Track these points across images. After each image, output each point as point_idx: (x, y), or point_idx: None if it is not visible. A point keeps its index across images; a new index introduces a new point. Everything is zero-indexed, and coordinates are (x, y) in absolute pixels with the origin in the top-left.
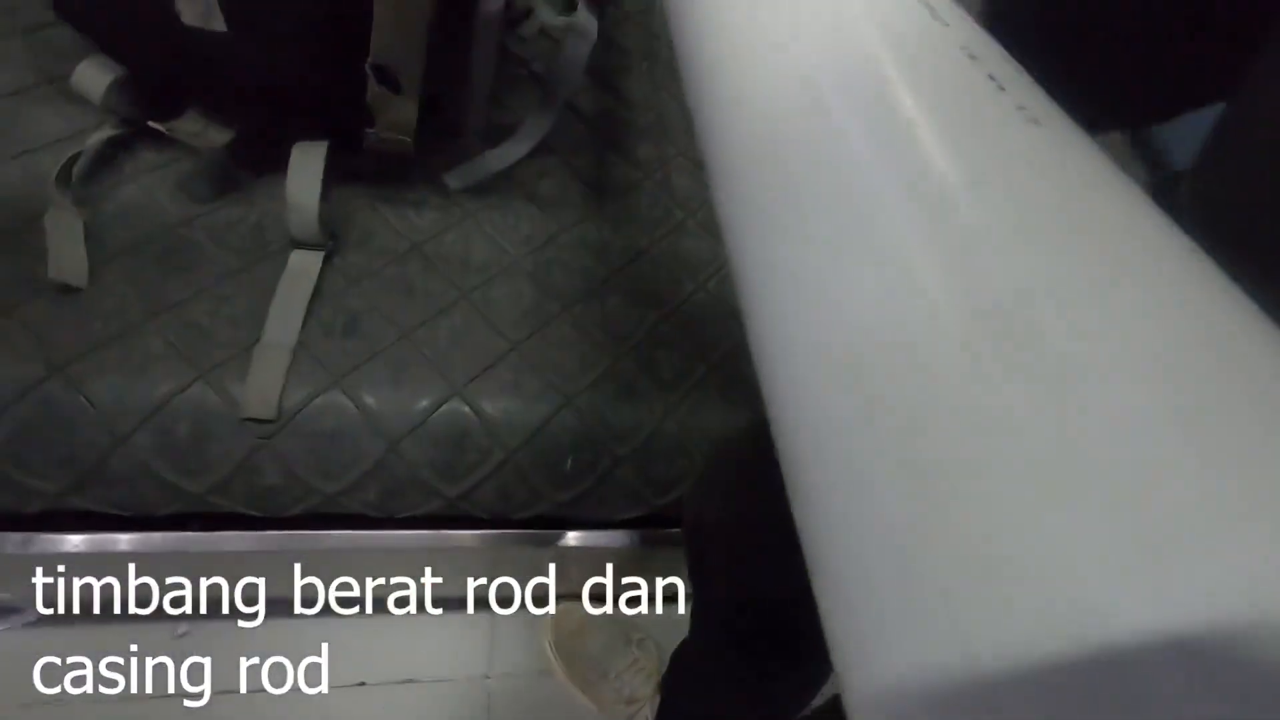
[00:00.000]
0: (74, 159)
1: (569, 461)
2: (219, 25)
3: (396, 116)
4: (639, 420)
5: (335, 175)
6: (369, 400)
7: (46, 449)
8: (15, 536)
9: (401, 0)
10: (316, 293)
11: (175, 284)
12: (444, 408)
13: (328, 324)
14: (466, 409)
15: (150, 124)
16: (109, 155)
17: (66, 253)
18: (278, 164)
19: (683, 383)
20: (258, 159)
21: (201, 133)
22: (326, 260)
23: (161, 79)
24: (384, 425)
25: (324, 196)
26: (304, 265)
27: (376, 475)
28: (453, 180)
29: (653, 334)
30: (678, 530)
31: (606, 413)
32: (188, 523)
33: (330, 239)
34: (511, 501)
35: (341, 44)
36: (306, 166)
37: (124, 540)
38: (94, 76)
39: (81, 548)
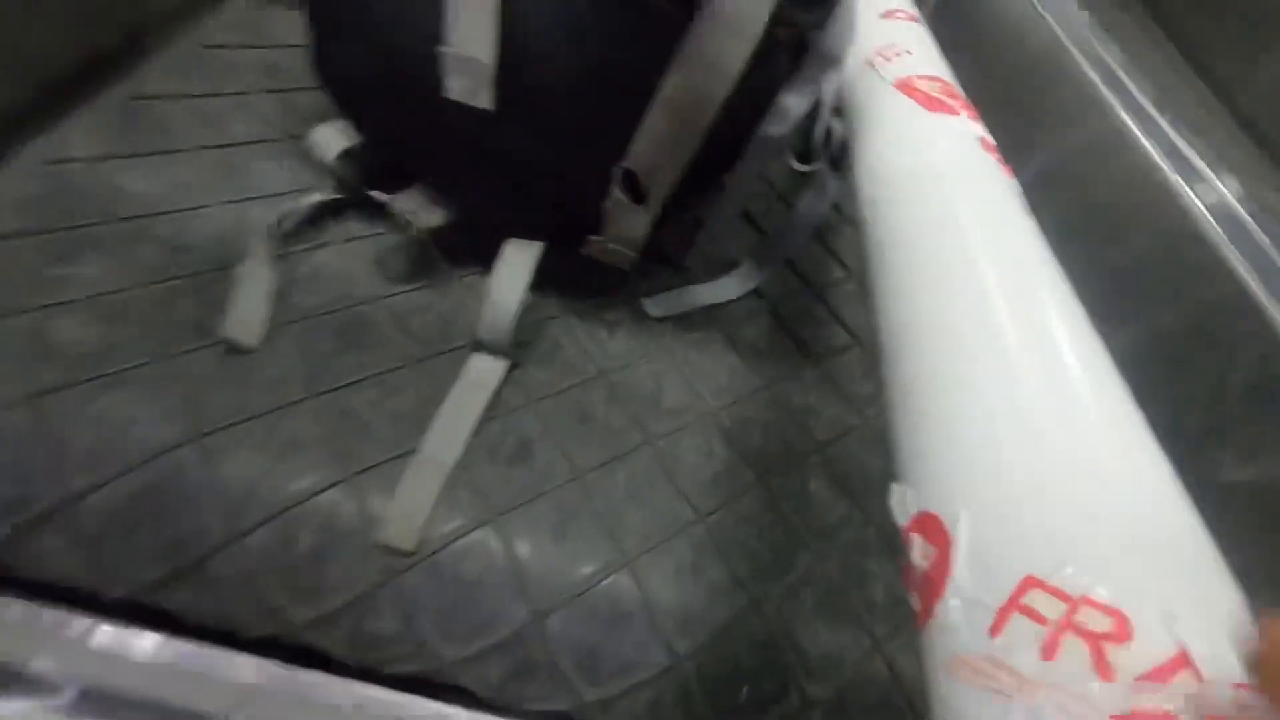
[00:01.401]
0: (285, 215)
1: (744, 690)
2: (484, 103)
3: (627, 228)
4: (841, 651)
5: (539, 288)
6: (523, 550)
7: (157, 528)
8: (84, 622)
9: (681, 111)
10: (490, 405)
11: (346, 362)
12: (608, 580)
13: (495, 445)
14: (634, 587)
15: (369, 193)
16: (318, 218)
17: (247, 309)
18: (484, 256)
19: (898, 609)
20: (465, 247)
21: (417, 212)
22: (510, 371)
23: (398, 150)
24: (533, 587)
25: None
26: (484, 372)
27: (509, 650)
28: (653, 307)
29: (861, 537)
30: None
31: (800, 631)
32: (265, 650)
33: (514, 347)
34: (660, 714)
35: (599, 141)
36: (516, 265)
37: (194, 652)
38: (330, 139)
39: (150, 654)
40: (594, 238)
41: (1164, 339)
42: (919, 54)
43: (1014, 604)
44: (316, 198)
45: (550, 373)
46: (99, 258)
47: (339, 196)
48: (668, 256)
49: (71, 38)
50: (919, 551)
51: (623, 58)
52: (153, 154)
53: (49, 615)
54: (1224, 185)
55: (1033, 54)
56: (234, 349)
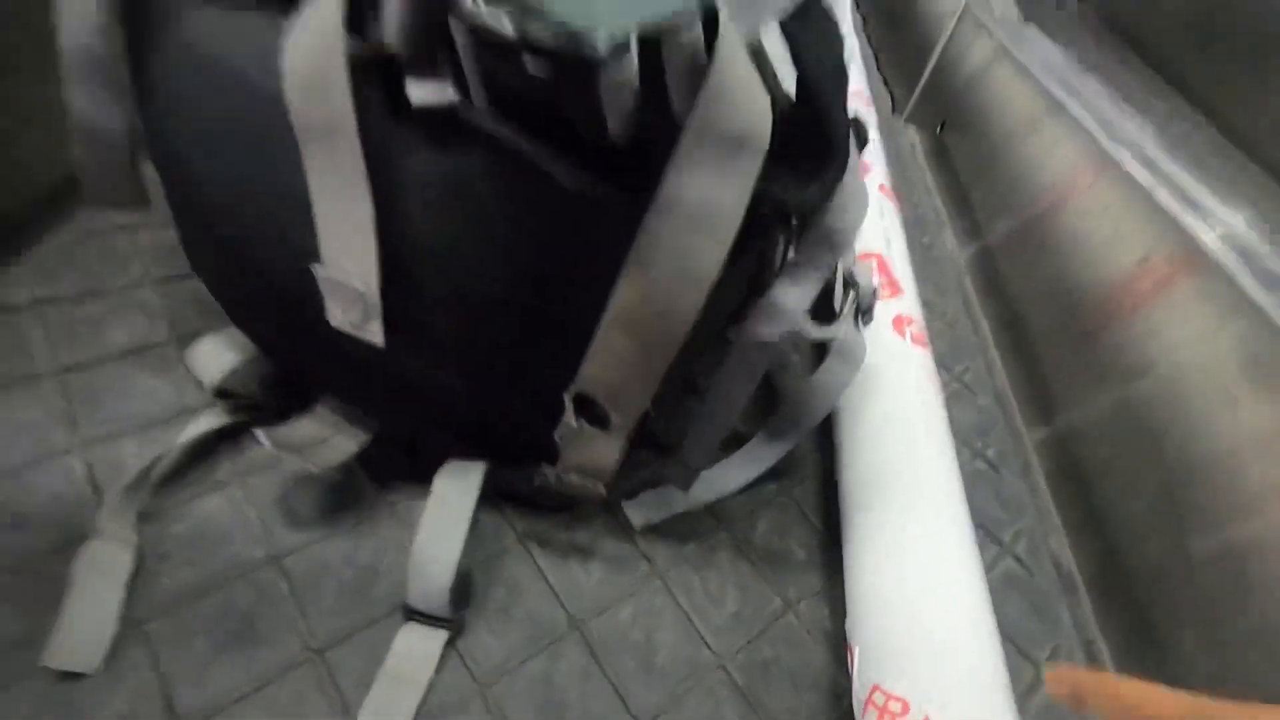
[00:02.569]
0: (153, 464)
1: None
2: (374, 337)
3: (590, 457)
4: None
5: (482, 501)
6: None
7: None
8: None
9: (641, 324)
10: (424, 702)
11: (223, 673)
12: None
13: None
14: None
15: (257, 431)
16: (206, 450)
17: (87, 619)
18: (420, 474)
19: None
20: (390, 475)
21: (328, 439)
22: (449, 643)
23: (296, 367)
24: None
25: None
26: (414, 651)
27: None
28: (636, 514)
29: None
30: None
31: None
32: None
33: (460, 610)
34: None
35: (532, 368)
36: (450, 504)
37: None
38: (214, 356)
39: None
40: (547, 467)
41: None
42: (866, 229)
43: (869, 700)
44: (203, 426)
45: (507, 636)
46: None
47: (231, 421)
48: (651, 451)
49: None
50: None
51: (549, 264)
52: (12, 386)
53: None
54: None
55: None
56: (68, 675)
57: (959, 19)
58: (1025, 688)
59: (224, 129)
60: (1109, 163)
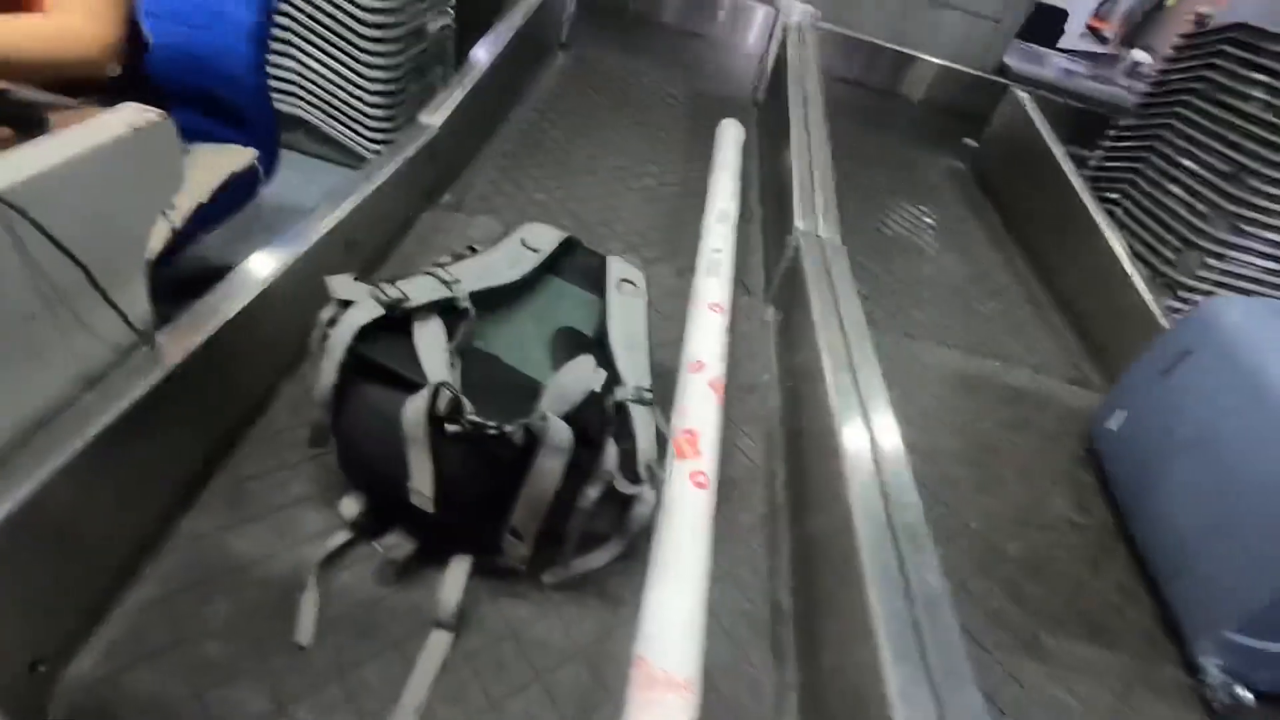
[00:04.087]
0: (324, 554)
1: None
2: (430, 508)
3: (517, 553)
4: None
5: (474, 575)
6: None
7: None
8: None
9: (532, 501)
10: (443, 666)
11: (361, 647)
12: None
13: (446, 691)
14: None
15: (370, 541)
16: (341, 552)
17: (306, 622)
18: (441, 567)
19: None
20: (429, 564)
21: (396, 546)
22: (454, 639)
23: (390, 514)
24: None
25: (465, 591)
26: (438, 643)
27: None
28: (548, 578)
29: None
30: None
31: None
32: None
33: (459, 622)
34: None
35: (493, 517)
36: (457, 571)
37: None
38: (350, 507)
39: None
40: (500, 559)
41: None
42: (691, 411)
43: None
44: (341, 539)
45: (480, 636)
46: (225, 600)
47: (352, 536)
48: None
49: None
50: None
51: (500, 485)
52: (245, 520)
53: None
54: None
55: None
56: (300, 648)
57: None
58: (732, 666)
59: (382, 429)
60: None
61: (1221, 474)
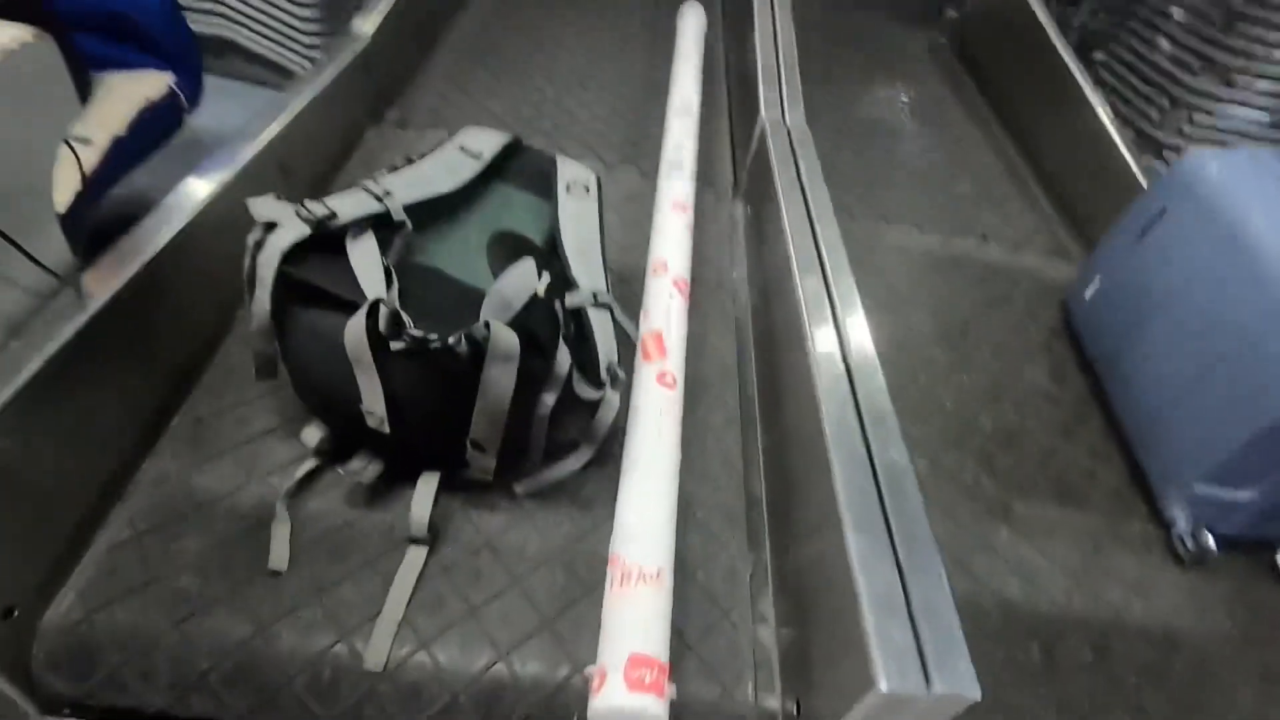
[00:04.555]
0: (294, 482)
1: (574, 716)
2: (386, 429)
3: (482, 464)
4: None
5: (442, 490)
6: (443, 659)
7: (249, 683)
8: None
9: (488, 412)
10: (419, 578)
11: (336, 568)
12: (492, 670)
13: (423, 601)
14: (507, 672)
15: (335, 466)
16: (310, 478)
17: (279, 549)
18: (410, 485)
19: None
20: (397, 483)
21: (363, 470)
22: (429, 553)
23: (352, 438)
24: (449, 681)
25: (435, 503)
26: (414, 557)
27: (440, 716)
28: (519, 488)
29: None
30: None
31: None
32: None
33: (434, 537)
34: None
35: (453, 432)
36: (426, 488)
37: None
38: (311, 434)
39: None
40: (464, 470)
41: None
42: (655, 312)
43: (611, 560)
44: (307, 467)
45: (455, 548)
46: (196, 536)
47: (318, 464)
48: (519, 456)
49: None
50: None
51: (453, 399)
52: (208, 458)
53: None
54: None
55: None
56: (275, 573)
57: (763, 120)
58: (710, 556)
59: (325, 354)
60: None
61: (1197, 329)
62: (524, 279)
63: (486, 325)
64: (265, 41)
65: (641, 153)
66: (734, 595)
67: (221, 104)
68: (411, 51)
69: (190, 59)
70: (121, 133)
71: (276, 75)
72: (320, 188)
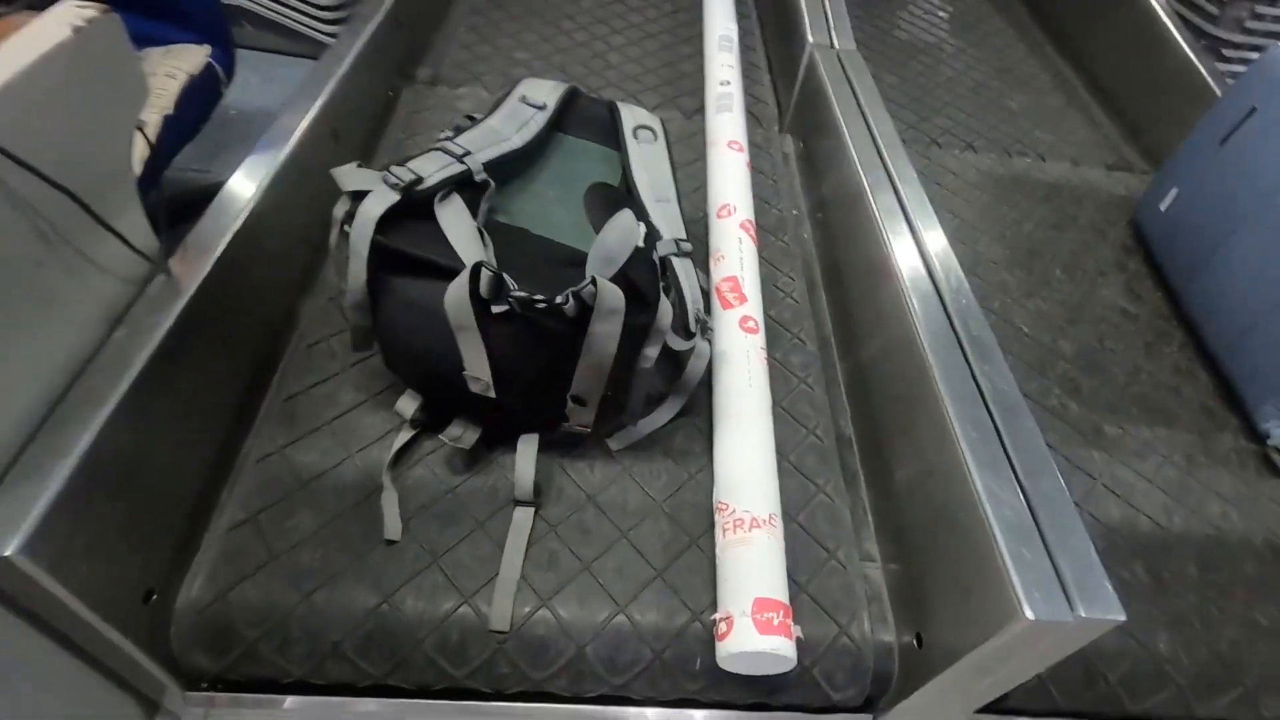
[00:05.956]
0: (391, 454)
1: (697, 660)
2: (490, 394)
3: (582, 418)
4: None
5: (542, 451)
6: (564, 615)
7: (381, 649)
8: (334, 700)
9: (592, 368)
10: (530, 539)
11: (449, 534)
12: (614, 622)
13: (538, 560)
14: (628, 623)
15: (433, 434)
16: (409, 447)
17: (391, 519)
18: (507, 448)
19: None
20: (495, 446)
21: (461, 435)
22: (536, 513)
23: (448, 406)
24: (575, 635)
25: (536, 467)
26: (523, 518)
27: (567, 669)
28: (614, 444)
29: None
30: None
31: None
32: (440, 695)
33: (538, 497)
34: (658, 687)
35: (556, 389)
36: (527, 450)
37: (406, 705)
38: (406, 405)
39: (373, 708)
40: (565, 425)
41: None
42: (729, 257)
43: (717, 508)
44: (404, 436)
45: (560, 507)
46: (307, 511)
47: (415, 433)
48: (616, 411)
49: (240, 365)
50: None
51: (556, 357)
52: (305, 435)
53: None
54: None
55: None
56: (391, 543)
57: (812, 47)
58: (808, 498)
59: (422, 322)
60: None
61: None
62: (627, 232)
63: (593, 281)
64: (285, 9)
65: (681, 92)
66: (838, 535)
67: (245, 75)
68: (435, 3)
69: (222, 30)
70: (171, 110)
71: (289, 41)
72: (369, 153)
